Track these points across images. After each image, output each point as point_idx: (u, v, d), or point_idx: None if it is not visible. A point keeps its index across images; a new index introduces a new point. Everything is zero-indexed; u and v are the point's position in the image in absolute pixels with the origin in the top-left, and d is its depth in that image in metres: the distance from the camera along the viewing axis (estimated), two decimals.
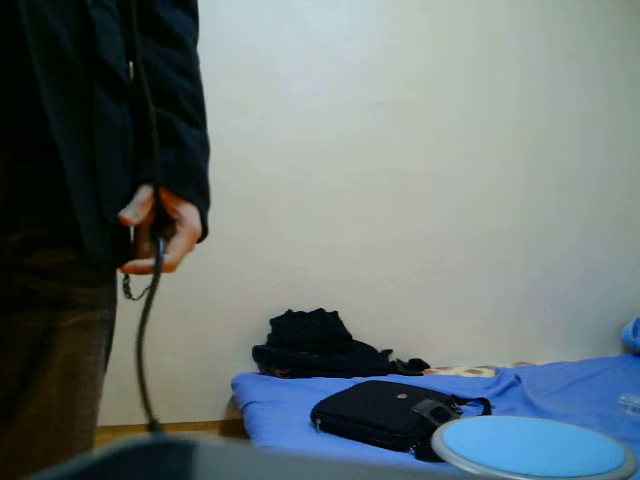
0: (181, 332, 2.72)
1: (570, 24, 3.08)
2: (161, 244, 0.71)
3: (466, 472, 1.37)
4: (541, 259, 3.11)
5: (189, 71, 0.82)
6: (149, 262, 0.71)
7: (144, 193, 0.72)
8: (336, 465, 0.26)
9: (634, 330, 3.07)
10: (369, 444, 1.97)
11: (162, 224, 0.74)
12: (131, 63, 0.75)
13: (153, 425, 0.67)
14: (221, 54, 2.71)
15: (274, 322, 2.77)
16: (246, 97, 2.74)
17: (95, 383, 0.72)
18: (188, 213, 0.75)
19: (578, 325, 3.17)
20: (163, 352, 2.70)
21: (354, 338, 2.86)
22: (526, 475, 1.34)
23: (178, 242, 0.73)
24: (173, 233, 0.74)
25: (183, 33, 0.80)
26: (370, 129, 2.88)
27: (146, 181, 0.72)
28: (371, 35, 2.87)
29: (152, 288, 0.70)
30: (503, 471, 1.35)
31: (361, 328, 2.88)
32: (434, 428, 1.71)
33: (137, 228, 0.74)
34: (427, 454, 1.78)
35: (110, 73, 0.69)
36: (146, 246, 0.74)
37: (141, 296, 0.73)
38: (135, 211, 0.71)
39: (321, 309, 2.85)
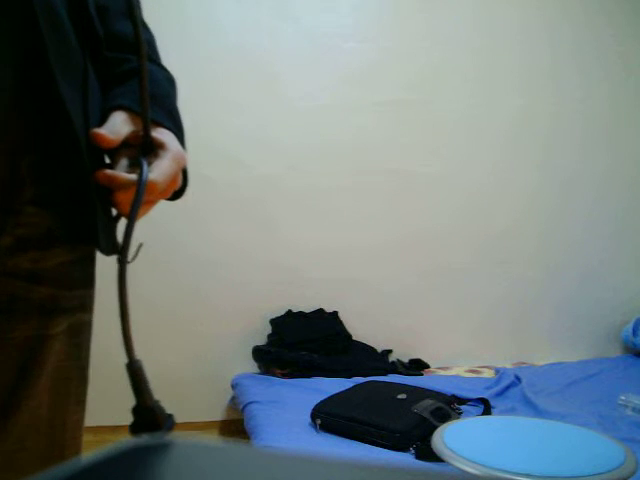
0: (181, 332, 2.72)
1: (571, 24, 3.08)
2: (144, 163, 0.62)
3: (466, 472, 1.37)
4: (541, 259, 3.11)
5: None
6: (130, 175, 0.62)
7: (117, 116, 0.64)
8: (336, 465, 0.26)
9: (634, 330, 3.07)
10: (369, 444, 1.97)
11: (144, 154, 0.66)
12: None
13: (132, 365, 0.60)
14: (220, 54, 2.71)
15: (274, 322, 2.77)
16: (245, 97, 2.74)
17: (85, 388, 0.70)
18: (167, 137, 0.67)
19: (578, 325, 3.17)
20: (163, 352, 2.70)
21: (354, 338, 2.86)
22: (526, 475, 1.34)
23: (162, 163, 0.64)
24: (155, 159, 0.65)
25: None
26: (370, 129, 2.88)
27: (117, 108, 0.65)
28: (371, 35, 2.87)
29: (134, 206, 0.60)
30: (503, 471, 1.35)
31: (361, 328, 2.88)
32: (434, 428, 1.71)
33: (114, 158, 0.65)
34: (427, 454, 1.78)
35: (97, 41, 0.66)
36: (124, 170, 0.65)
37: (135, 256, 0.65)
38: (111, 129, 0.62)
39: (321, 309, 2.85)
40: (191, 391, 2.74)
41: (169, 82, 0.75)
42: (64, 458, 0.66)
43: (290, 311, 2.81)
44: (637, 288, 3.22)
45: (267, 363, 2.70)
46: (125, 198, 0.62)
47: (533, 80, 3.05)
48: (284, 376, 2.62)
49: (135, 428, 0.59)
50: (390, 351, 2.93)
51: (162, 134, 0.66)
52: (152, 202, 0.67)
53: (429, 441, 1.61)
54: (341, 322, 2.85)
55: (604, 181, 3.17)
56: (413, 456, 1.90)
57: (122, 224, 0.65)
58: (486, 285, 3.05)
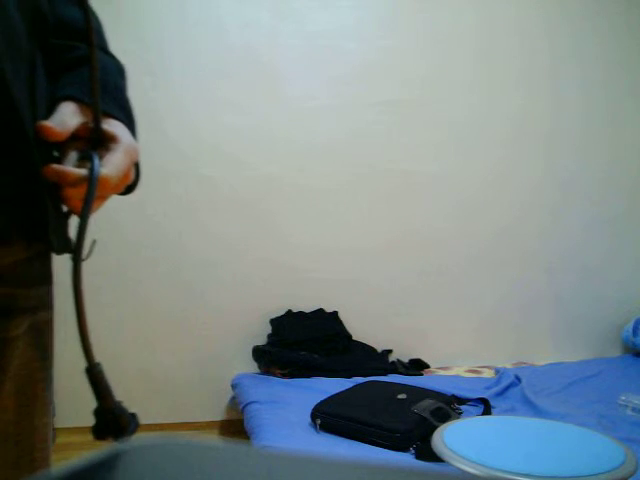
0: (181, 333, 2.72)
1: (571, 24, 3.08)
2: (95, 157, 0.59)
3: (466, 472, 1.37)
4: (541, 259, 3.12)
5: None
6: (80, 171, 0.58)
7: (66, 107, 0.60)
8: (336, 465, 0.26)
9: (634, 330, 3.07)
10: (369, 444, 1.97)
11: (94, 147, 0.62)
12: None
13: (92, 370, 0.57)
14: (219, 54, 2.71)
15: (274, 322, 2.77)
16: (244, 97, 2.74)
17: (50, 389, 0.67)
18: (119, 129, 0.63)
19: (578, 325, 3.17)
20: (163, 353, 2.70)
21: (354, 338, 2.86)
22: (526, 475, 1.34)
23: (114, 157, 0.60)
24: (106, 152, 0.62)
25: None
26: (370, 129, 2.88)
27: (65, 98, 0.61)
28: (371, 35, 2.87)
29: (86, 202, 0.57)
30: (503, 471, 1.35)
31: (361, 328, 2.88)
32: (434, 428, 1.71)
33: (62, 152, 0.61)
34: (427, 454, 1.78)
35: (45, 28, 0.62)
36: (73, 165, 0.60)
37: (89, 254, 0.61)
38: (59, 122, 0.58)
39: (321, 309, 2.85)
40: (191, 391, 2.74)
41: (119, 71, 0.71)
42: (34, 462, 0.64)
43: (290, 311, 2.81)
44: (637, 288, 3.22)
45: (267, 363, 2.70)
46: (75, 194, 0.59)
47: (533, 80, 3.05)
48: (284, 376, 2.62)
49: (98, 430, 0.57)
50: (390, 351, 2.93)
51: (113, 126, 0.63)
52: (104, 197, 0.63)
53: (429, 441, 1.61)
54: (341, 322, 2.85)
55: (604, 181, 3.17)
56: (413, 456, 1.90)
57: (74, 220, 0.63)
58: (486, 285, 3.05)
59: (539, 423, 1.75)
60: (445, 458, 1.46)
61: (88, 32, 0.58)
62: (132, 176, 0.65)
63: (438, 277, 2.99)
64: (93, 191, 0.57)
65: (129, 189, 0.68)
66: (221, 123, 2.72)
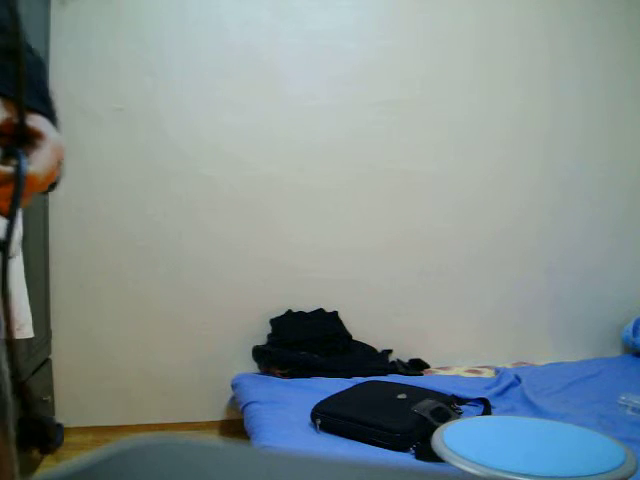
0: (181, 333, 2.72)
1: (571, 24, 3.08)
2: (22, 154, 0.56)
3: (466, 472, 1.37)
4: (541, 259, 3.11)
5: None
6: (6, 168, 0.55)
7: None
8: (336, 465, 0.26)
9: (634, 330, 3.07)
10: (369, 444, 1.97)
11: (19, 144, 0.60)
12: None
13: (18, 376, 0.54)
14: (219, 53, 2.71)
15: (274, 322, 2.78)
16: (244, 96, 2.74)
17: (5, 391, 0.63)
18: (44, 125, 0.61)
19: (578, 325, 3.17)
20: (163, 353, 2.70)
21: (354, 338, 2.86)
22: (526, 475, 1.34)
23: (42, 154, 0.58)
24: (32, 149, 0.60)
25: None
26: (370, 129, 2.87)
27: None
28: (371, 35, 2.87)
29: (14, 201, 0.54)
30: (503, 471, 1.35)
31: (361, 328, 2.88)
32: (434, 428, 1.71)
33: None
34: (427, 454, 1.78)
35: None
36: None
37: (17, 252, 0.60)
38: None
39: (321, 309, 2.85)
40: (191, 391, 2.74)
41: (39, 64, 0.68)
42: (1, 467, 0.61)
43: (290, 311, 2.81)
44: (637, 288, 3.22)
45: (267, 363, 2.70)
46: (0, 193, 0.56)
47: (533, 80, 3.05)
48: (284, 376, 2.62)
49: (22, 441, 0.54)
50: (390, 351, 2.93)
51: (38, 122, 0.60)
52: (29, 196, 0.60)
53: (429, 441, 1.61)
54: (341, 322, 2.85)
55: (604, 181, 3.16)
56: (413, 456, 1.90)
57: None
58: (486, 285, 3.05)
59: (539, 423, 1.76)
60: (445, 458, 1.46)
61: (14, 26, 0.55)
62: (58, 173, 0.63)
63: (438, 277, 2.99)
64: (21, 190, 0.54)
65: (52, 186, 0.65)
66: (221, 123, 2.72)
